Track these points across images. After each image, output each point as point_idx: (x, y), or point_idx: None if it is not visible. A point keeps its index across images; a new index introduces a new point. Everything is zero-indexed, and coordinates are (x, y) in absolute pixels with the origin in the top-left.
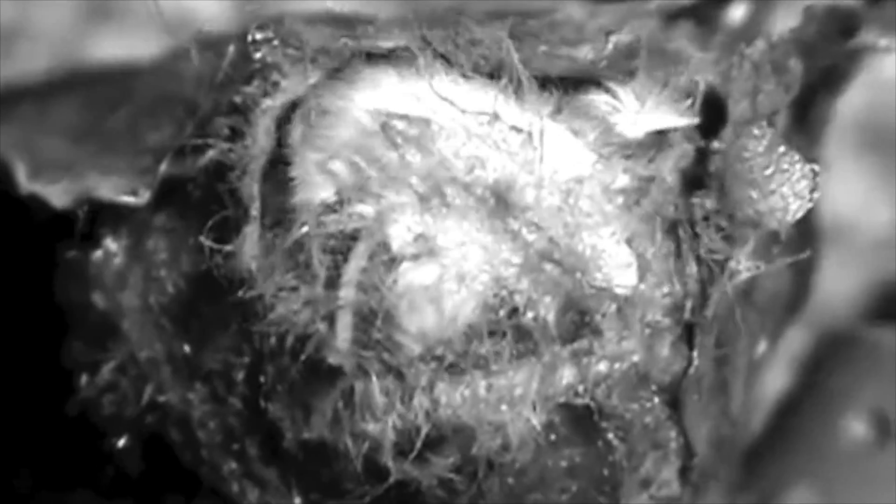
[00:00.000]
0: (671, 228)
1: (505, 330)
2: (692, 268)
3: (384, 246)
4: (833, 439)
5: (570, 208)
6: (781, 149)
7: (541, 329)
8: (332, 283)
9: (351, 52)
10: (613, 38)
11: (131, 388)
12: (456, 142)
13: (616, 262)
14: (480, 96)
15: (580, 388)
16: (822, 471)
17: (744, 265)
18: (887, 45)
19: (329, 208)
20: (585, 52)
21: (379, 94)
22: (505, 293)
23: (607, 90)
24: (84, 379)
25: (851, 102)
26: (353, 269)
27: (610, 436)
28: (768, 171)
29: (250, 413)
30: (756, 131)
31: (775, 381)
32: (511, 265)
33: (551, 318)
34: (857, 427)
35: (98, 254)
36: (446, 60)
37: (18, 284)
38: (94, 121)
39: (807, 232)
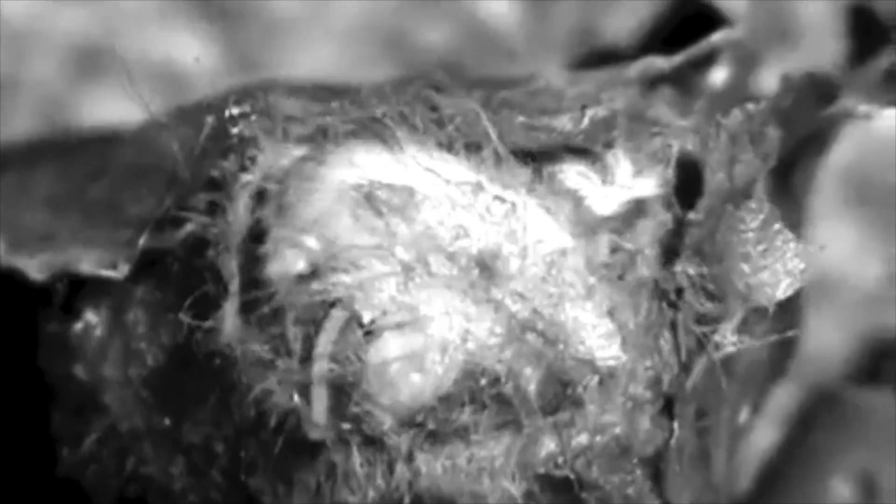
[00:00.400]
0: (652, 300)
1: (485, 400)
2: (672, 340)
3: (356, 317)
4: (819, 502)
5: (553, 279)
6: (777, 226)
7: (521, 399)
8: (307, 356)
9: (328, 125)
10: (590, 112)
11: (113, 459)
12: (440, 211)
13: (598, 334)
14: (461, 167)
15: (560, 460)
16: None
17: (729, 339)
18: (866, 112)
19: (302, 280)
20: (564, 123)
21: (359, 165)
22: (487, 363)
23: (585, 159)
24: (66, 450)
25: (839, 157)
26: (324, 342)
27: None
28: (761, 247)
29: (231, 486)
30: (753, 205)
31: (762, 438)
32: (493, 335)
33: (532, 388)
34: (843, 490)
35: (79, 326)
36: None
37: (3, 356)
38: (74, 190)
39: (791, 298)
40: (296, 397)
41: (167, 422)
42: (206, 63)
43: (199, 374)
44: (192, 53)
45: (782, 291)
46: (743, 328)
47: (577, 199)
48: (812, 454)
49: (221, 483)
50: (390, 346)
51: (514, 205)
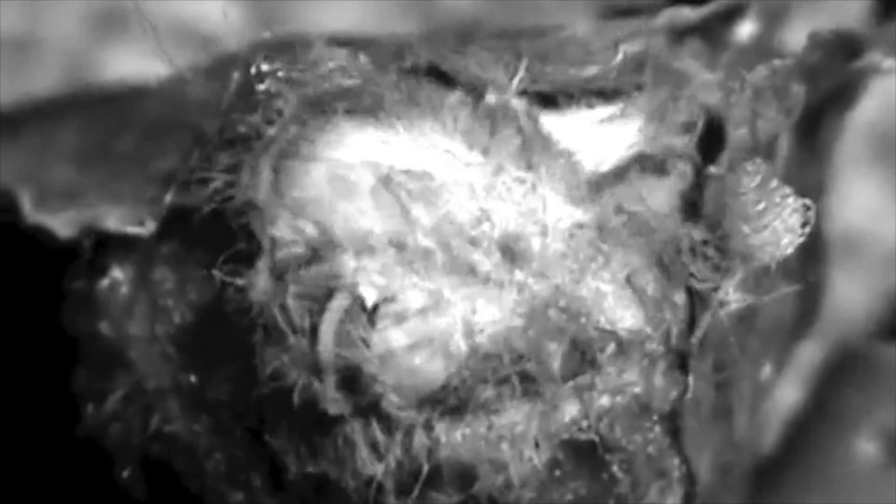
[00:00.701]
0: (661, 258)
1: (509, 377)
2: (681, 296)
3: (360, 303)
4: (844, 460)
5: (573, 254)
6: (773, 183)
7: (544, 373)
8: (313, 338)
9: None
10: (623, 47)
11: (138, 417)
12: (460, 195)
13: (619, 304)
14: (480, 146)
15: (584, 424)
16: (832, 492)
17: (732, 296)
18: (890, 66)
19: (305, 263)
20: (593, 72)
21: (371, 146)
22: (511, 343)
23: (612, 103)
24: (91, 407)
25: (862, 114)
26: (327, 327)
27: (615, 468)
28: (760, 206)
29: (255, 445)
30: (749, 167)
31: (787, 395)
32: (516, 315)
33: (556, 364)
34: (868, 448)
35: (105, 283)
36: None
37: (27, 314)
38: (100, 145)
39: (813, 254)
40: (308, 377)
41: (193, 379)
42: (231, 19)
43: (227, 332)
44: (217, 9)
45: (783, 249)
46: (758, 285)
47: (570, 159)
48: (837, 412)
49: (245, 442)
50: (399, 332)
51: (533, 184)
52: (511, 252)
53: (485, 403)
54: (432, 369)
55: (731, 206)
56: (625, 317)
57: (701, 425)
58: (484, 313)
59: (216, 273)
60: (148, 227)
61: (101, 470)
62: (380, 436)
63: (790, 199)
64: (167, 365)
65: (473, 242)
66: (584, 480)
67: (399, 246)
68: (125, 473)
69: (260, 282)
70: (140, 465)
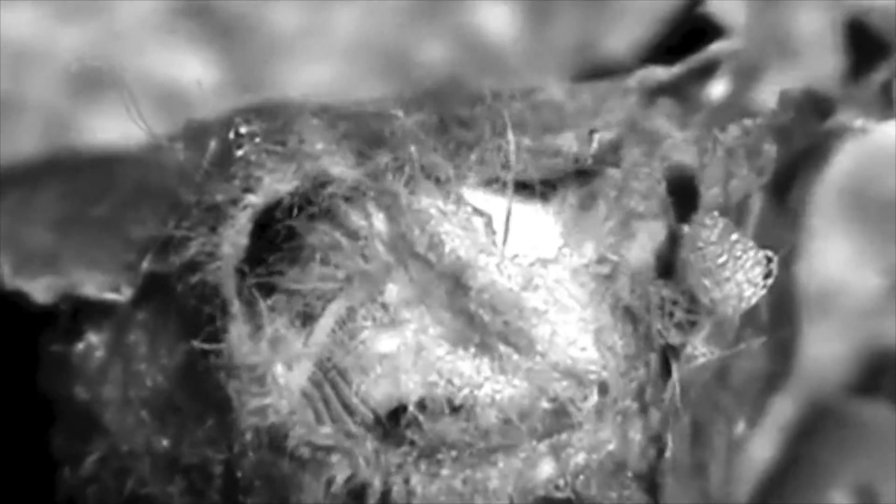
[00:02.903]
0: (635, 313)
1: (466, 409)
2: (651, 353)
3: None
4: None
5: (532, 292)
6: (734, 237)
7: (500, 410)
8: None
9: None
10: (597, 136)
11: (113, 480)
12: (422, 217)
13: (580, 346)
14: (447, 174)
15: (561, 482)
16: None
17: (699, 350)
18: (863, 127)
19: None
20: (570, 142)
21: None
22: (462, 370)
23: (590, 183)
24: (67, 470)
25: (836, 170)
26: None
27: None
28: (721, 260)
29: None
30: (708, 220)
31: (761, 450)
32: (467, 344)
33: (513, 397)
34: (842, 502)
35: (80, 347)
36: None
37: (4, 377)
38: (78, 211)
39: (785, 308)
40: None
41: (166, 443)
42: (207, 82)
43: (198, 395)
44: (194, 72)
45: (746, 301)
46: (725, 339)
47: (570, 213)
48: (811, 467)
49: (219, 502)
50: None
51: (492, 218)
52: (458, 281)
53: (456, 449)
54: (387, 385)
55: (692, 260)
56: (585, 360)
57: (678, 482)
58: (434, 335)
59: (196, 344)
60: (124, 294)
61: None
62: (355, 481)
63: (751, 252)
64: (140, 429)
65: (427, 265)
66: None
67: (363, 259)
68: None
69: (237, 345)
70: None
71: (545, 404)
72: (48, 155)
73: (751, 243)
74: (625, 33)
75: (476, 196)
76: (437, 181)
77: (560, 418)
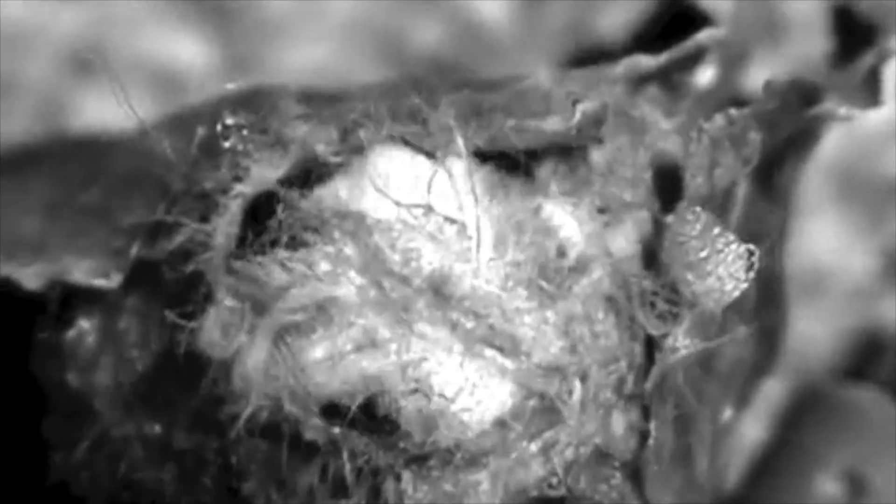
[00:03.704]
0: (612, 305)
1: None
2: (634, 344)
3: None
4: (806, 500)
5: (509, 294)
6: (716, 230)
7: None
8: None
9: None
10: (581, 107)
11: (105, 465)
12: (391, 234)
13: (559, 343)
14: (414, 187)
15: (553, 480)
16: None
17: (681, 342)
18: (847, 114)
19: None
20: (554, 124)
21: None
22: (450, 379)
23: (572, 159)
24: (60, 456)
25: (823, 153)
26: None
27: None
28: (703, 254)
29: (222, 491)
30: (689, 214)
31: (751, 433)
32: (453, 353)
33: (502, 400)
34: (830, 488)
35: (71, 334)
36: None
37: None
38: (68, 197)
39: (772, 295)
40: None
41: (157, 429)
42: (200, 63)
43: (188, 381)
44: (187, 54)
45: (728, 295)
46: (707, 330)
47: (535, 209)
48: (800, 451)
49: (212, 488)
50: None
51: (464, 224)
52: (440, 291)
53: (447, 453)
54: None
55: (674, 253)
56: (565, 356)
57: (662, 469)
58: (419, 350)
59: (168, 314)
60: (114, 280)
61: None
62: (350, 478)
63: (733, 246)
64: (131, 414)
65: (404, 281)
66: None
67: (335, 284)
68: None
69: (209, 330)
70: None
71: (534, 403)
72: (39, 140)
73: (733, 237)
74: (616, 18)
75: (457, 166)
76: (406, 143)
77: (549, 415)
